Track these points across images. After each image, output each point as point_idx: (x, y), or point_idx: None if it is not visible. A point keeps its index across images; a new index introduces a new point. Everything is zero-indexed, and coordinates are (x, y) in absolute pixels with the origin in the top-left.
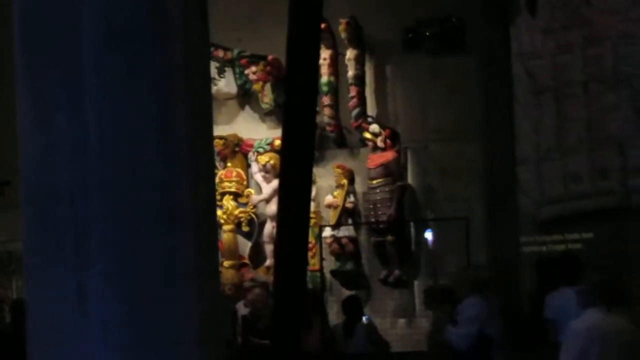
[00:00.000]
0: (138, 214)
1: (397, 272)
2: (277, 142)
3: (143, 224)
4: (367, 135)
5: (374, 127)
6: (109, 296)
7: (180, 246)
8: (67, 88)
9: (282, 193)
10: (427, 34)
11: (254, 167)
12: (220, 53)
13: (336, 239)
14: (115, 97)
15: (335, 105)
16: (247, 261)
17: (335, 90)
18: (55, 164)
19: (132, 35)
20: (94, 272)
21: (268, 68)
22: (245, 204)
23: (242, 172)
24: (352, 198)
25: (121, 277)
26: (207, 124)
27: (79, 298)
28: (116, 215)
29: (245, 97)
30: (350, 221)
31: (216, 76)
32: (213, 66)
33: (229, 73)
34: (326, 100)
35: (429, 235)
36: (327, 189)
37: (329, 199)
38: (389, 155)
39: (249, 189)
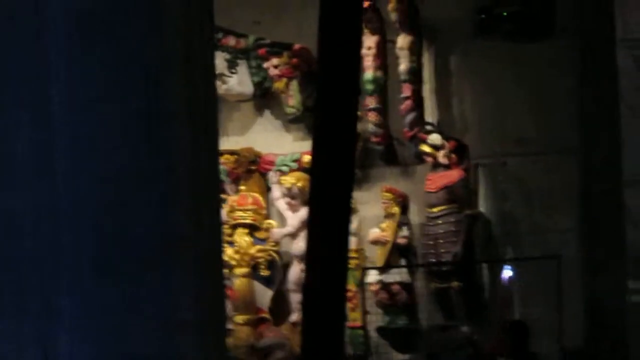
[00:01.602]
0: (118, 251)
1: (465, 329)
2: (306, 159)
3: (127, 261)
4: (426, 148)
5: (435, 138)
6: (80, 353)
7: (175, 294)
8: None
9: (312, 226)
10: (505, 14)
11: (276, 192)
12: (232, 41)
13: (384, 286)
14: (89, 97)
15: (382, 109)
16: (266, 315)
17: (382, 89)
18: (14, 186)
19: (108, 22)
20: (62, 323)
21: (294, 60)
22: (265, 240)
23: (259, 198)
24: (405, 231)
25: (97, 332)
26: (212, 134)
27: (44, 356)
28: (92, 246)
29: (265, 99)
30: (403, 262)
31: (226, 72)
32: (221, 58)
33: (242, 67)
34: (371, 102)
35: (507, 279)
36: (372, 219)
37: (375, 232)
38: (455, 174)
39: (269, 220)
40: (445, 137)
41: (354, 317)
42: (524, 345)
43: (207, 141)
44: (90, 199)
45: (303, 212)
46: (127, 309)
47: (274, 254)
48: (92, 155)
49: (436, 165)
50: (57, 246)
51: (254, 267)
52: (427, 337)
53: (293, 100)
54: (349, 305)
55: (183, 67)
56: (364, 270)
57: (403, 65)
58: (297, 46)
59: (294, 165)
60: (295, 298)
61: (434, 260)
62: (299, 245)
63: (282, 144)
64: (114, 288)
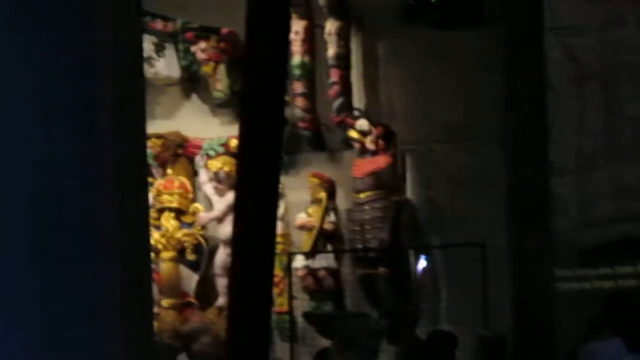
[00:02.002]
0: (48, 234)
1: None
2: (234, 143)
3: (55, 247)
4: (353, 134)
5: (362, 124)
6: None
7: (103, 279)
8: None
9: (239, 210)
10: (434, 0)
11: (203, 176)
12: (159, 25)
13: (311, 271)
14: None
15: (310, 95)
16: (192, 300)
17: (310, 74)
18: None
19: (40, 9)
20: None
21: (222, 45)
22: (191, 224)
23: (186, 182)
24: (332, 217)
25: (29, 317)
26: (139, 120)
27: None
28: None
29: (192, 82)
30: (329, 247)
31: (153, 55)
32: (149, 42)
33: (170, 51)
34: (298, 87)
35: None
36: (299, 204)
37: (301, 218)
38: (382, 160)
39: (195, 204)
40: (373, 123)
41: (280, 302)
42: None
43: (134, 127)
44: (20, 185)
45: (230, 196)
46: (57, 295)
47: (201, 238)
48: (22, 142)
49: (363, 151)
50: None
51: (181, 251)
52: (340, 323)
53: (220, 84)
54: (275, 290)
55: (112, 54)
56: (291, 255)
57: (331, 51)
58: (225, 30)
59: (221, 149)
60: (221, 282)
61: (360, 246)
62: (226, 229)
63: (209, 128)
64: (40, 272)
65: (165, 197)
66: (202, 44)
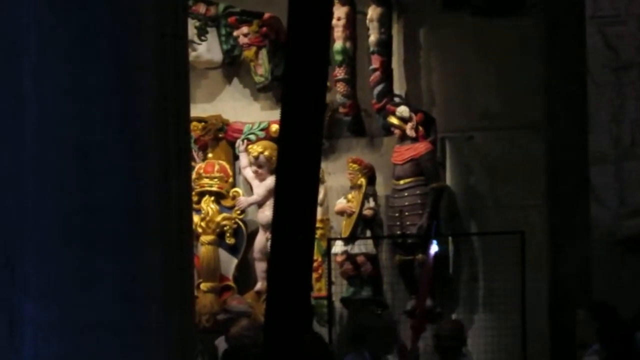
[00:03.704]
0: (86, 218)
1: (428, 302)
2: (274, 128)
3: (93, 231)
4: (393, 120)
5: (403, 110)
6: (45, 321)
7: (143, 264)
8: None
9: (279, 195)
10: None
11: (243, 160)
12: (202, 8)
13: (349, 257)
14: (59, 68)
15: (351, 80)
16: (231, 283)
17: (352, 60)
18: None
19: None
20: (27, 291)
21: (264, 29)
22: (231, 208)
23: (226, 166)
24: (371, 203)
25: (61, 299)
26: (183, 101)
27: (10, 328)
28: (58, 216)
29: (233, 67)
30: (368, 233)
31: (195, 39)
32: (191, 26)
33: (212, 35)
34: (340, 73)
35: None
36: (339, 190)
37: (341, 203)
38: (421, 147)
39: (235, 188)
40: (413, 109)
41: (318, 287)
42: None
43: (178, 114)
44: (56, 168)
45: (270, 181)
46: (91, 278)
47: (240, 222)
48: (60, 127)
49: (403, 138)
50: (22, 213)
51: (220, 235)
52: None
53: (262, 69)
54: (314, 275)
55: (155, 40)
56: (330, 240)
57: (373, 37)
58: (267, 15)
59: (262, 134)
60: (260, 267)
61: (399, 232)
62: (266, 214)
63: (250, 113)
64: (78, 257)
65: (206, 180)
66: (244, 29)
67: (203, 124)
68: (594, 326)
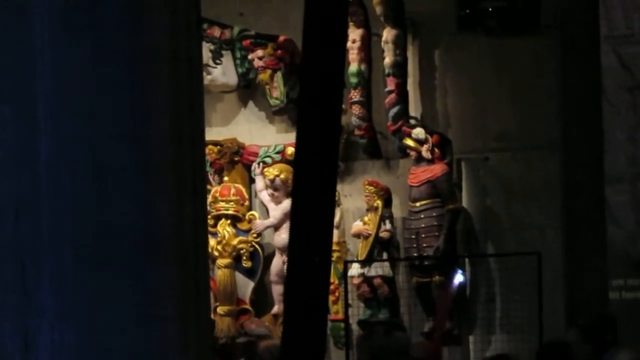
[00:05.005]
0: (102, 241)
1: (447, 324)
2: (290, 150)
3: (109, 254)
4: (409, 142)
5: (418, 132)
6: (61, 345)
7: (160, 286)
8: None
9: (295, 217)
10: (490, 9)
11: (259, 183)
12: (216, 32)
13: (366, 279)
14: (74, 91)
15: (366, 103)
16: (248, 307)
17: (367, 82)
18: None
19: (96, 11)
20: (44, 315)
21: (279, 52)
22: (247, 232)
23: (242, 189)
24: (387, 225)
25: (78, 323)
26: (197, 125)
27: (26, 352)
28: (74, 239)
29: (249, 90)
30: (385, 256)
31: (210, 62)
32: (206, 49)
33: (227, 58)
34: (355, 95)
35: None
36: (355, 212)
37: (357, 226)
38: (437, 169)
39: (251, 211)
40: (429, 131)
41: (335, 310)
42: None
43: (192, 136)
44: (72, 191)
45: (286, 204)
46: (107, 301)
47: (257, 246)
48: (75, 148)
49: (419, 160)
50: (38, 236)
51: (236, 258)
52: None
53: (277, 91)
54: (330, 298)
55: (169, 62)
56: (346, 263)
57: (388, 59)
58: (281, 38)
59: (277, 157)
60: (277, 290)
61: (416, 254)
62: (282, 237)
63: (265, 136)
64: (94, 280)
65: (222, 204)
66: (259, 52)
67: (219, 147)
68: (587, 347)
